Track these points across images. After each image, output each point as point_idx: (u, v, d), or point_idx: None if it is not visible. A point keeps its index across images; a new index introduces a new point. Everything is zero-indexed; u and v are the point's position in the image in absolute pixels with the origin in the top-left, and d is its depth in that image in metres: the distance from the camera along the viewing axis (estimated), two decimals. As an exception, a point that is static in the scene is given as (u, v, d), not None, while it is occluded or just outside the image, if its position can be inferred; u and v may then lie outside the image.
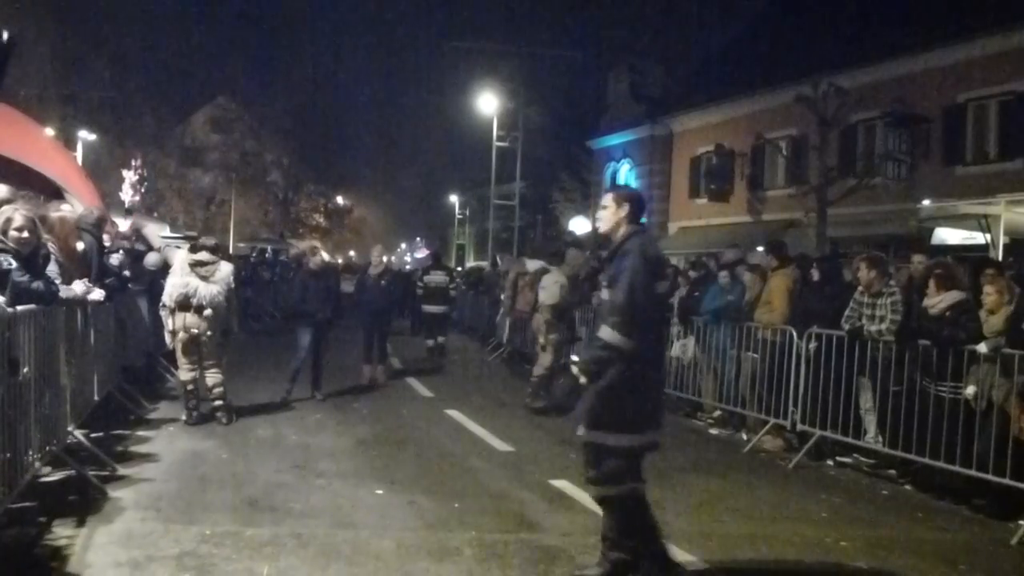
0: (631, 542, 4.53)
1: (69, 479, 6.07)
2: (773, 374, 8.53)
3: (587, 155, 34.81)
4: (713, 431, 9.72)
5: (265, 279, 23.45)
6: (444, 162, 57.88)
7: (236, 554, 4.83)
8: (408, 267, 40.71)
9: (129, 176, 38.37)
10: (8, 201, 6.27)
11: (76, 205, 8.72)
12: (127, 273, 9.15)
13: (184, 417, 8.52)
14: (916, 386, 7.06)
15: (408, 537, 5.28)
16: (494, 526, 5.58)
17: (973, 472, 6.45)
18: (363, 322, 12.09)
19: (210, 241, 8.97)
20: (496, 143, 33.29)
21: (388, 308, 12.51)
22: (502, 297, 15.88)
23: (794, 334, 8.38)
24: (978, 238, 13.89)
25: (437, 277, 16.12)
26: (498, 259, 22.61)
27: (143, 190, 39.79)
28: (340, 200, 56.55)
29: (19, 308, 5.04)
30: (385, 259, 13.65)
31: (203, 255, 8.52)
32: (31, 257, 5.68)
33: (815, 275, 8.88)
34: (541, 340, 10.54)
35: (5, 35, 3.74)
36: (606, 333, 4.37)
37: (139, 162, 39.33)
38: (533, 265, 14.12)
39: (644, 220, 4.81)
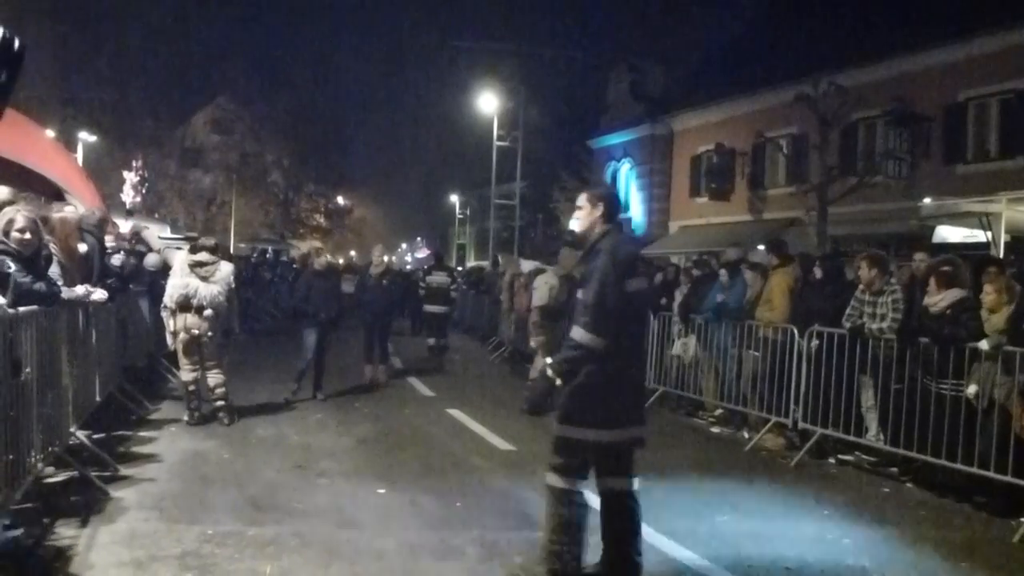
0: (566, 538, 4.53)
1: (72, 480, 6.08)
2: (774, 372, 8.54)
3: (588, 154, 34.80)
4: (714, 430, 9.73)
5: (266, 279, 23.45)
6: (444, 162, 57.92)
7: (238, 553, 4.84)
8: (409, 267, 40.75)
9: (130, 177, 38.40)
10: (10, 203, 6.27)
11: (78, 206, 8.73)
12: (127, 273, 9.16)
13: (186, 417, 8.53)
14: (917, 384, 7.06)
15: (410, 536, 5.28)
16: (496, 525, 5.58)
17: (975, 470, 6.45)
18: (364, 322, 12.11)
19: (209, 241, 8.98)
20: (496, 142, 33.28)
21: (389, 308, 12.52)
22: (501, 297, 15.95)
23: (795, 332, 8.39)
24: (979, 236, 13.88)
25: (439, 278, 16.27)
26: (499, 259, 22.64)
27: (144, 191, 39.81)
28: (340, 200, 56.55)
29: (21, 309, 5.05)
30: (386, 259, 13.68)
31: (203, 255, 8.52)
32: (33, 258, 5.68)
33: (818, 273, 8.88)
34: (532, 342, 10.52)
35: (17, 42, 3.72)
36: (577, 333, 4.41)
37: (140, 163, 39.35)
38: (527, 266, 14.15)
39: (620, 218, 4.81)
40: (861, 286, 7.86)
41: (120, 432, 7.86)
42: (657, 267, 13.51)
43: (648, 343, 5.02)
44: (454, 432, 8.96)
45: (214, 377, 8.56)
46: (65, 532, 5.11)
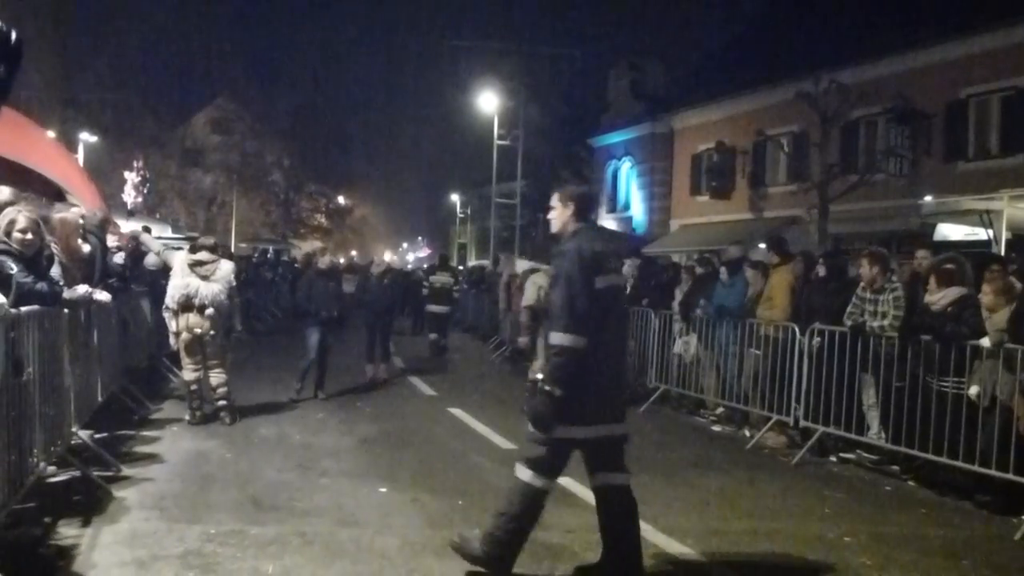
0: (511, 525, 4.54)
1: (74, 480, 6.08)
2: (776, 370, 8.54)
3: (588, 153, 34.81)
4: (716, 428, 9.73)
5: (267, 279, 23.47)
6: (445, 161, 57.89)
7: (240, 553, 4.84)
8: (410, 266, 40.75)
9: (131, 177, 38.42)
10: (11, 203, 6.27)
11: (80, 207, 8.73)
12: (128, 273, 9.17)
13: (188, 417, 8.53)
14: (919, 382, 7.05)
15: (412, 535, 5.29)
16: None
17: (976, 468, 6.45)
18: (366, 321, 12.13)
19: (208, 241, 9.00)
20: (497, 141, 33.26)
21: (390, 308, 12.55)
22: (500, 296, 16.02)
23: (796, 330, 8.39)
24: (980, 234, 13.90)
25: (442, 278, 16.49)
26: (499, 258, 22.66)
27: (145, 191, 39.83)
28: (341, 200, 56.59)
29: (23, 309, 5.05)
30: (387, 259, 13.77)
31: (202, 255, 8.53)
32: (35, 258, 5.69)
33: (821, 271, 8.86)
34: (519, 341, 10.48)
35: (14, 36, 3.68)
36: (556, 337, 4.42)
37: (141, 163, 39.37)
38: (522, 265, 14.15)
39: (592, 217, 4.85)
40: (862, 284, 7.86)
41: (122, 432, 7.87)
42: (661, 266, 13.51)
43: (629, 339, 5.04)
44: (455, 431, 8.96)
45: (216, 377, 8.57)
46: (67, 532, 5.11)
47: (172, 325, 8.51)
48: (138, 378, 9.71)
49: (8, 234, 5.52)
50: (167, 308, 8.50)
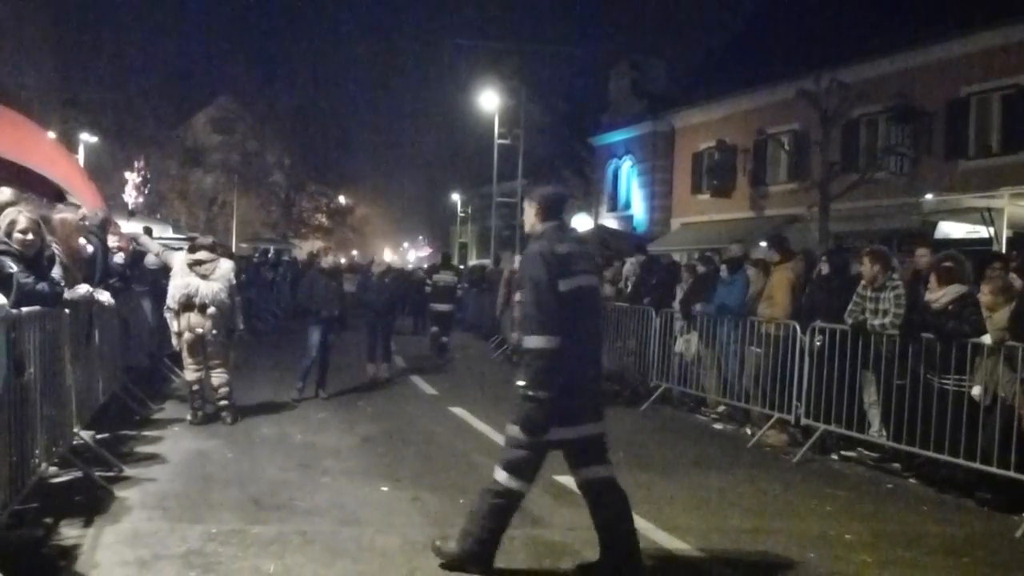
0: (484, 522, 4.57)
1: (75, 480, 6.09)
2: (777, 369, 8.54)
3: (589, 152, 34.79)
4: (717, 426, 9.73)
5: (267, 279, 23.47)
6: (445, 160, 57.87)
7: (242, 552, 4.85)
8: (411, 265, 40.76)
9: (132, 178, 38.45)
10: (12, 204, 6.27)
11: (81, 207, 8.74)
12: (129, 273, 9.18)
13: (189, 417, 8.54)
14: (920, 380, 7.06)
15: (413, 533, 5.29)
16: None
17: (978, 465, 6.45)
18: (367, 321, 12.14)
19: (207, 240, 9.01)
20: (498, 140, 33.26)
21: (391, 307, 12.56)
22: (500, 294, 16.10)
23: (797, 328, 8.39)
24: (982, 232, 13.87)
25: (445, 277, 16.67)
26: (500, 257, 22.67)
27: (146, 192, 39.86)
28: (342, 199, 56.57)
29: (24, 309, 5.05)
30: (388, 258, 13.82)
31: (201, 254, 8.53)
32: (36, 259, 5.69)
33: (824, 269, 8.85)
34: (514, 337, 10.48)
35: None
36: (530, 341, 4.44)
37: (142, 163, 39.40)
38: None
39: (561, 217, 4.80)
40: (863, 282, 7.86)
41: (124, 432, 7.88)
42: (664, 264, 13.50)
43: (603, 338, 5.08)
44: (457, 430, 8.97)
45: (218, 376, 8.57)
46: (69, 532, 5.12)
47: (174, 325, 8.50)
48: (139, 378, 9.72)
49: (9, 234, 5.52)
50: (168, 308, 8.50)
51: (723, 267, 10.20)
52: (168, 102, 42.49)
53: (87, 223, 7.65)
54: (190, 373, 8.56)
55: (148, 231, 14.58)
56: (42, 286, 5.53)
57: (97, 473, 6.16)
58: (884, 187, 19.59)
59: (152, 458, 7.05)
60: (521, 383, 4.46)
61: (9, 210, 5.78)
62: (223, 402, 8.60)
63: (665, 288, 11.45)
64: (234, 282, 8.70)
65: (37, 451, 5.28)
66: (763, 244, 15.01)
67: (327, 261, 11.08)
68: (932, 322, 7.04)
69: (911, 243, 12.42)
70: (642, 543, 5.30)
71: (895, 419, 7.28)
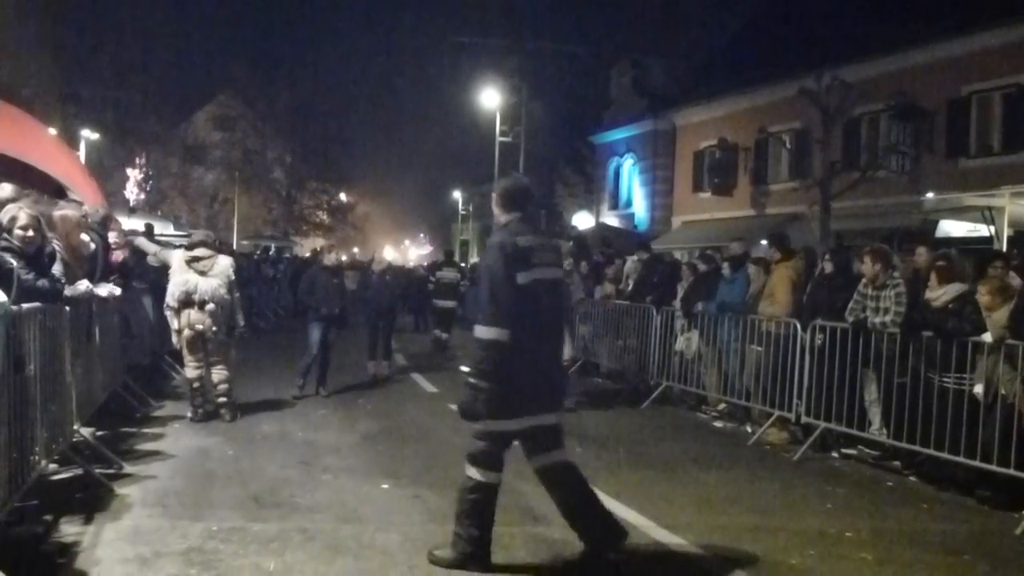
0: (468, 522, 4.63)
1: (76, 477, 6.10)
2: (777, 367, 8.54)
3: (590, 150, 34.78)
4: (718, 424, 9.73)
5: (268, 276, 23.50)
6: (447, 158, 57.92)
7: (242, 549, 4.85)
8: (412, 263, 40.74)
9: (134, 174, 38.45)
10: (13, 200, 6.28)
11: (81, 203, 8.74)
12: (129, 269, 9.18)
13: (189, 414, 8.54)
14: (920, 378, 7.06)
15: (414, 531, 5.29)
16: (499, 519, 5.55)
17: (978, 463, 6.45)
18: (367, 319, 12.14)
19: (204, 235, 9.01)
20: (499, 138, 33.24)
21: (392, 305, 12.55)
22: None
23: (798, 326, 8.38)
24: (982, 230, 13.87)
25: (449, 274, 17.13)
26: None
27: (147, 189, 39.87)
28: (343, 197, 56.56)
29: (24, 306, 5.05)
30: (388, 256, 13.85)
31: (199, 251, 8.53)
32: (36, 255, 5.69)
33: (828, 267, 8.84)
34: None
35: None
36: (481, 331, 4.49)
37: (143, 160, 39.40)
38: None
39: (526, 210, 4.83)
40: (864, 280, 7.86)
41: (124, 429, 7.89)
42: (667, 262, 13.47)
43: (562, 331, 5.17)
44: (457, 427, 8.91)
45: (218, 373, 8.56)
46: (70, 529, 5.12)
47: (174, 323, 8.50)
48: (140, 375, 9.74)
49: (9, 231, 5.52)
50: (168, 306, 8.49)
51: (725, 265, 10.19)
52: (169, 99, 42.52)
53: (88, 219, 7.65)
54: (190, 370, 8.55)
55: (149, 228, 14.61)
56: (43, 283, 5.54)
57: (97, 470, 6.16)
58: (885, 185, 19.56)
59: (152, 455, 7.05)
60: (465, 369, 4.59)
61: (10, 206, 5.79)
62: (222, 399, 8.59)
63: (666, 286, 11.45)
64: (233, 278, 8.68)
65: (37, 448, 5.29)
66: (764, 242, 15.00)
67: (329, 259, 11.06)
68: (932, 320, 7.04)
69: (912, 242, 12.42)
70: (643, 540, 5.34)
71: (895, 417, 7.28)
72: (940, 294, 7.07)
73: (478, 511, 4.64)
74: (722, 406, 9.97)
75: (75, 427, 6.33)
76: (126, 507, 5.57)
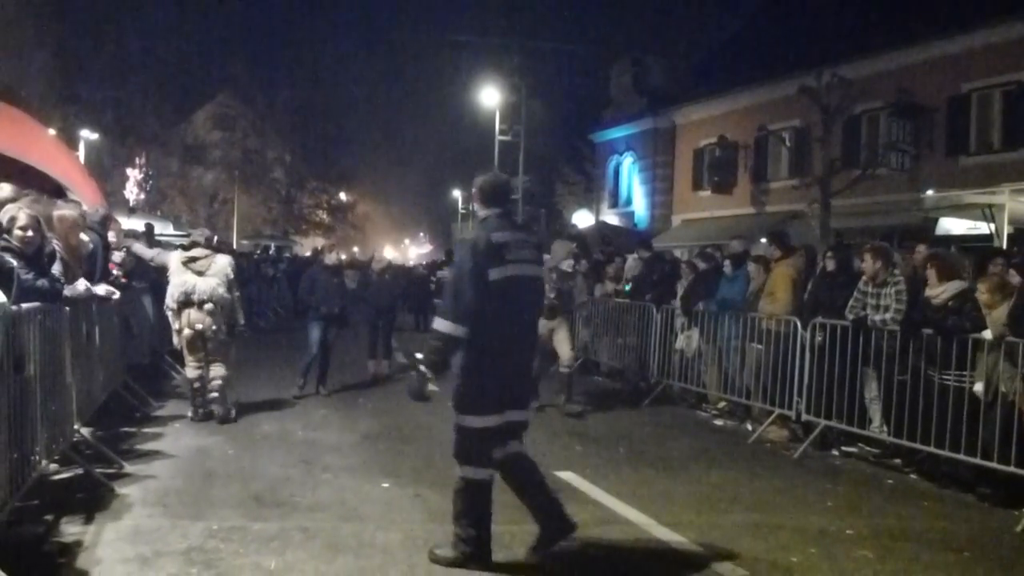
0: (465, 521, 4.66)
1: (76, 477, 6.10)
2: (778, 365, 8.53)
3: (590, 148, 34.78)
4: (718, 422, 9.73)
5: (269, 276, 23.51)
6: (447, 157, 57.87)
7: (243, 548, 4.85)
8: (411, 262, 40.74)
9: (134, 174, 38.44)
10: (12, 200, 6.28)
11: (81, 203, 8.74)
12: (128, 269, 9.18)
13: (190, 414, 8.53)
14: (921, 375, 7.06)
15: (414, 530, 5.30)
16: (500, 518, 5.56)
17: (978, 461, 6.45)
18: (367, 318, 12.13)
19: (202, 234, 9.00)
20: (499, 137, 33.25)
21: (392, 304, 12.55)
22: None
23: (798, 324, 8.38)
24: (982, 228, 13.85)
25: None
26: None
27: (147, 188, 39.86)
28: (343, 196, 56.57)
29: (24, 306, 5.05)
30: (389, 255, 13.83)
31: (195, 251, 8.53)
32: (36, 255, 5.69)
33: (830, 265, 8.84)
34: None
35: None
36: (438, 323, 4.57)
37: (143, 160, 39.39)
38: None
39: (505, 205, 4.86)
40: (864, 278, 7.86)
41: (124, 429, 7.89)
42: (668, 261, 13.47)
43: (536, 327, 5.25)
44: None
45: (215, 370, 8.48)
46: (70, 529, 5.12)
47: (175, 323, 8.50)
48: (140, 375, 9.73)
49: (9, 231, 5.52)
50: (168, 307, 8.49)
51: (726, 263, 10.19)
52: (168, 99, 42.43)
53: (87, 219, 7.65)
54: (191, 370, 8.54)
55: (149, 228, 14.60)
56: (42, 282, 5.54)
57: (98, 470, 6.17)
58: (885, 183, 19.57)
59: (153, 455, 7.06)
60: (418, 356, 4.72)
61: (9, 207, 5.79)
62: (213, 394, 8.47)
63: (666, 284, 11.45)
64: (232, 277, 8.63)
65: (38, 448, 5.29)
66: (763, 240, 14.99)
67: (330, 258, 11.06)
68: (932, 318, 7.04)
69: (912, 239, 12.41)
70: (643, 538, 5.35)
71: (896, 415, 7.28)
72: (940, 292, 7.07)
73: (475, 510, 4.65)
74: (722, 404, 9.97)
75: (75, 427, 6.33)
76: (127, 507, 5.58)
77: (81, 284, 6.45)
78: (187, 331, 8.39)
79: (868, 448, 7.98)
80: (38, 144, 10.12)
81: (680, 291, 10.83)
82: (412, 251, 68.28)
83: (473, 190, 4.89)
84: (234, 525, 5.24)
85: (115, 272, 8.77)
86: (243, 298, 9.52)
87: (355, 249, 51.22)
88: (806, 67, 20.27)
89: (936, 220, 16.67)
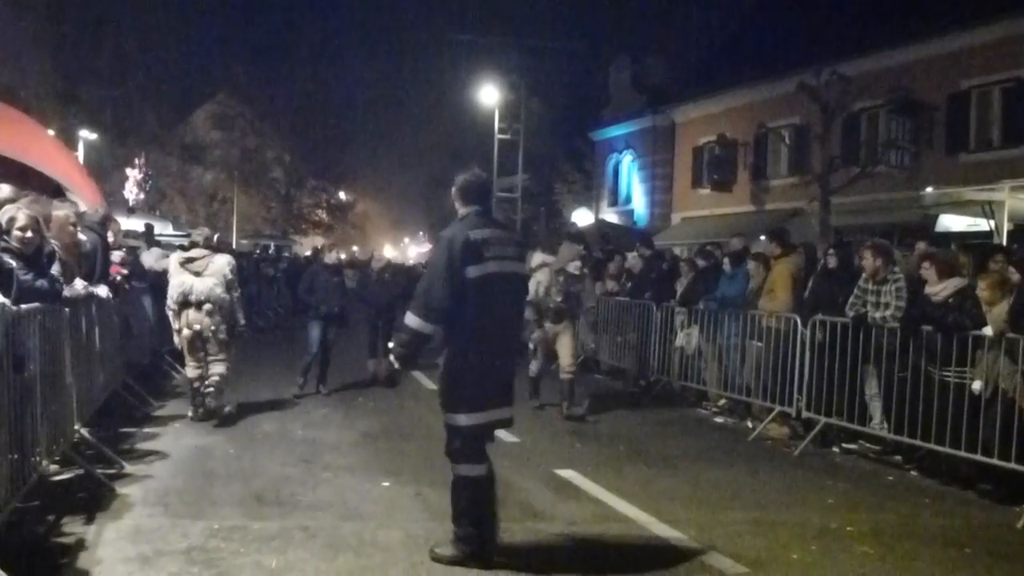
0: (465, 520, 4.67)
1: (77, 477, 6.10)
2: (778, 362, 8.54)
3: (589, 147, 34.76)
4: (718, 419, 9.74)
5: (268, 276, 23.49)
6: (446, 155, 57.80)
7: (244, 547, 4.85)
8: (411, 261, 40.73)
9: (133, 174, 38.41)
10: (11, 200, 6.27)
11: (80, 204, 8.74)
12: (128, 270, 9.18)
13: (190, 413, 8.52)
14: (921, 372, 7.06)
15: (415, 528, 5.30)
16: (500, 516, 5.59)
17: (978, 457, 6.46)
18: (367, 317, 12.13)
19: (201, 233, 8.99)
20: (498, 135, 33.22)
21: (391, 303, 12.54)
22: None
23: (798, 322, 8.38)
24: (982, 225, 13.85)
25: None
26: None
27: (147, 188, 39.82)
28: (342, 195, 56.53)
29: (23, 306, 5.05)
30: (388, 254, 13.83)
31: (193, 252, 8.53)
32: (35, 256, 5.69)
33: (832, 262, 8.83)
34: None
35: None
36: (408, 319, 4.60)
37: (142, 160, 39.36)
38: (537, 259, 14.05)
39: (485, 203, 4.87)
40: (864, 275, 7.86)
41: (125, 429, 7.89)
42: (667, 260, 13.47)
43: (519, 324, 5.27)
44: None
45: (213, 367, 8.47)
46: (71, 529, 5.13)
47: (175, 324, 8.50)
48: (140, 375, 9.73)
49: (8, 232, 5.52)
50: (169, 308, 8.49)
51: (726, 260, 10.19)
52: (168, 99, 42.39)
53: (87, 219, 7.65)
54: (191, 370, 8.54)
55: (149, 228, 14.62)
56: (41, 283, 5.54)
57: (98, 470, 6.17)
58: (885, 180, 19.56)
59: (153, 455, 7.06)
60: (390, 345, 4.83)
61: (8, 207, 5.78)
62: (209, 389, 8.42)
63: (665, 282, 11.44)
64: (231, 276, 8.59)
65: (38, 449, 5.29)
66: (763, 238, 15.00)
67: (330, 257, 11.05)
68: (932, 315, 7.04)
69: (912, 237, 12.42)
70: (643, 536, 5.36)
71: (896, 412, 7.29)
72: (940, 289, 7.08)
73: (475, 508, 4.65)
74: (722, 402, 9.97)
75: (76, 427, 6.33)
76: (127, 506, 5.58)
77: (79, 284, 6.45)
78: (186, 331, 8.39)
79: (868, 445, 7.98)
80: (37, 144, 10.12)
81: (679, 289, 10.83)
82: (412, 250, 68.19)
83: (453, 188, 4.89)
84: (235, 524, 5.25)
85: (119, 276, 8.74)
86: (243, 298, 9.50)
87: (355, 248, 51.17)
88: (805, 65, 20.25)
89: (936, 217, 16.67)
